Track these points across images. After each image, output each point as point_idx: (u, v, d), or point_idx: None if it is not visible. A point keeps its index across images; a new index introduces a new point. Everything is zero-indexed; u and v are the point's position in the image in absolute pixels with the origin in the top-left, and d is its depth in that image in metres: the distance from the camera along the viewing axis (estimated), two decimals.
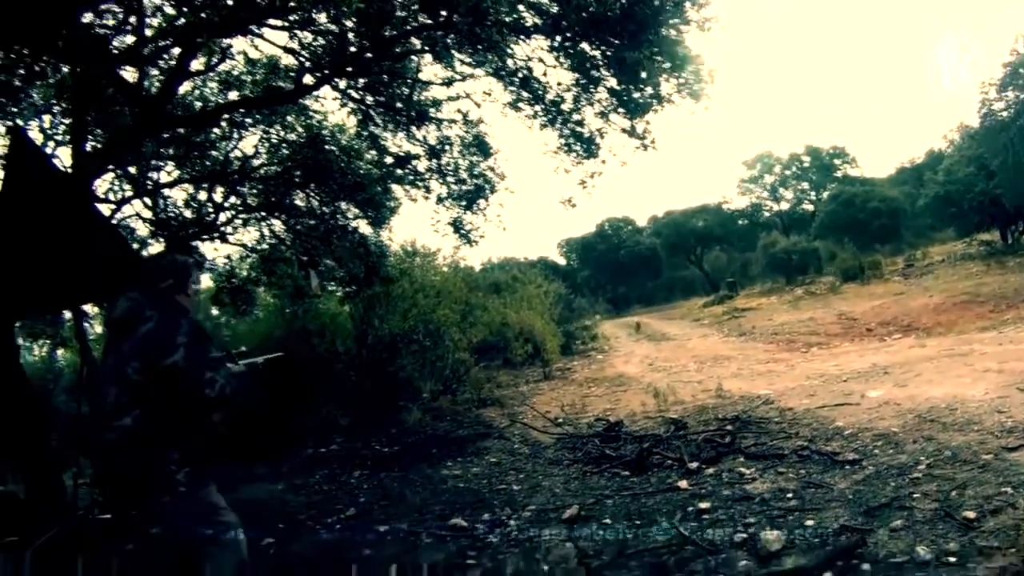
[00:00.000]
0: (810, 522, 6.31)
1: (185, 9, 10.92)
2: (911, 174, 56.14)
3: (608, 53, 12.42)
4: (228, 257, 18.50)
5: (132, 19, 11.12)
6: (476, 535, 7.36)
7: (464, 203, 15.44)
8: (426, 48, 12.84)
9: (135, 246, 14.77)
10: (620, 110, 13.32)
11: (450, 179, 15.45)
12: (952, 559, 5.17)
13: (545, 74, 13.31)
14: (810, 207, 68.23)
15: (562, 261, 75.21)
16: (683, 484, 8.24)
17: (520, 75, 13.36)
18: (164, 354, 4.17)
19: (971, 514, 5.82)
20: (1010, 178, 32.23)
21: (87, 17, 10.56)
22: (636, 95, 13.07)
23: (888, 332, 20.89)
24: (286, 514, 8.93)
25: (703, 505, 7.28)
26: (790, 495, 7.20)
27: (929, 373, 12.53)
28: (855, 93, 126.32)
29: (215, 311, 22.30)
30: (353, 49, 12.47)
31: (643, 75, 12.66)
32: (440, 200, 15.53)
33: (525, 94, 13.62)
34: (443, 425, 14.09)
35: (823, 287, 35.93)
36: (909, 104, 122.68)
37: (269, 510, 9.12)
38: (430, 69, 14.49)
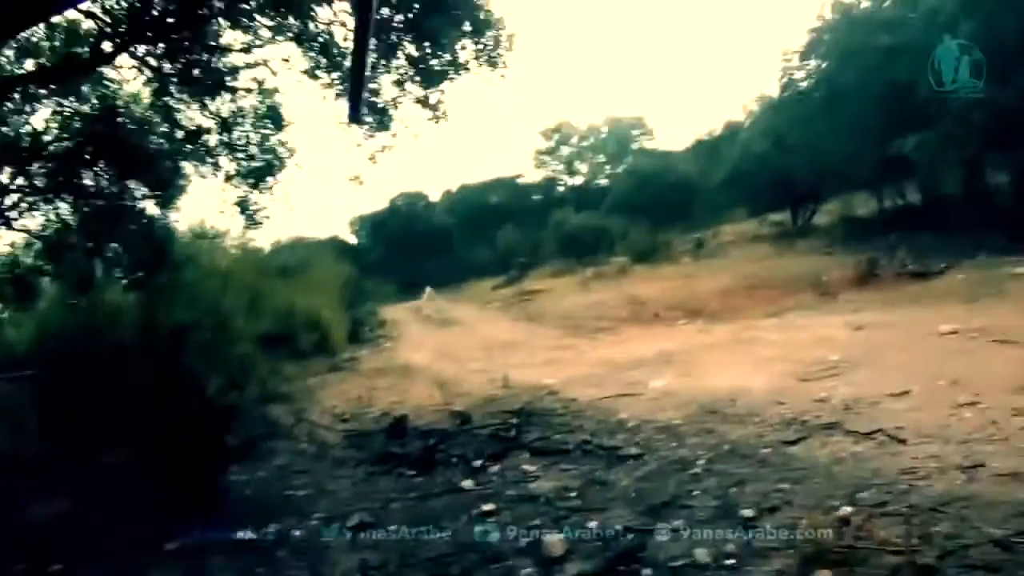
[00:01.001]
0: (593, 523, 6.38)
1: None
2: (709, 147, 56.94)
3: (408, 17, 12.39)
4: (12, 245, 17.61)
5: None
6: (263, 548, 7.16)
7: (252, 180, 15.15)
8: (229, 12, 12.47)
9: None
10: (417, 78, 13.34)
11: (240, 155, 15.14)
12: (731, 561, 5.33)
13: (345, 39, 13.23)
14: (605, 181, 69.56)
15: (355, 240, 74.24)
16: (468, 484, 8.26)
17: (320, 40, 13.34)
18: None
19: (749, 512, 6.07)
20: (806, 153, 33.50)
21: None
22: (433, 62, 13.11)
23: (675, 317, 21.64)
24: (72, 536, 8.42)
25: (487, 507, 7.27)
26: (573, 494, 7.31)
27: (713, 362, 13.09)
28: (660, 59, 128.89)
29: None
30: (156, 12, 11.99)
31: (443, 40, 12.71)
32: (229, 178, 15.21)
33: (323, 60, 13.59)
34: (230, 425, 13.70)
35: (613, 268, 36.74)
36: (716, 72, 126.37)
37: (58, 533, 8.59)
38: (230, 34, 14.28)
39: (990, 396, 8.61)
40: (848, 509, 5.86)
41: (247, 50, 13.91)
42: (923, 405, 8.72)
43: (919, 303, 17.25)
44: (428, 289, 43.03)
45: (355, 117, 13.13)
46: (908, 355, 11.62)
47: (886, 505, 5.93)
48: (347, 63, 13.39)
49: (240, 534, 7.50)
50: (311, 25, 13.11)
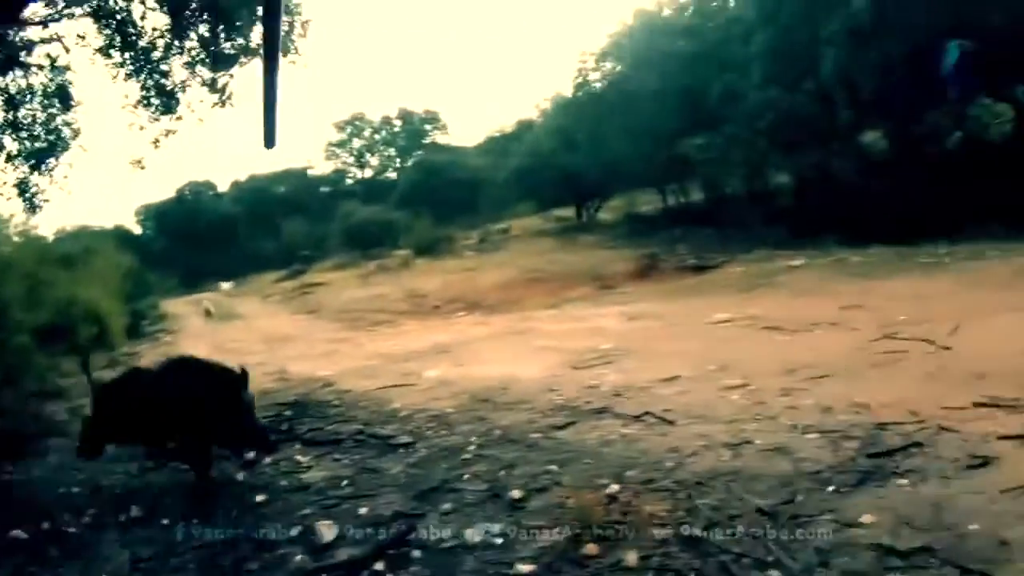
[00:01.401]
0: (363, 510, 6.45)
1: None
2: (500, 143, 58.09)
3: None
4: None
5: None
6: (35, 547, 6.88)
7: (33, 162, 14.51)
8: None
9: None
10: (207, 60, 13.19)
11: (23, 134, 14.47)
12: (500, 540, 5.46)
13: (144, 16, 13.17)
14: (394, 175, 69.86)
15: (139, 230, 71.90)
16: (241, 476, 8.23)
17: (118, 17, 13.09)
18: None
19: (518, 494, 6.22)
20: (593, 152, 34.46)
21: None
22: (226, 45, 12.99)
23: (454, 309, 21.93)
24: None
25: (260, 498, 7.28)
26: (345, 482, 7.37)
27: (488, 352, 13.38)
28: (458, 56, 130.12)
29: None
30: None
31: (237, 22, 12.59)
32: (10, 158, 14.50)
33: (118, 39, 13.30)
34: (3, 422, 13.10)
35: (396, 262, 36.97)
36: (517, 70, 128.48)
37: None
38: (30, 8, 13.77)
39: (758, 379, 9.04)
40: (615, 487, 6.06)
41: (44, 24, 13.44)
42: (692, 388, 9.07)
43: (696, 294, 17.97)
44: (224, 284, 42.45)
45: (270, 143, 12.68)
46: (680, 343, 12.12)
47: (653, 482, 6.15)
48: (142, 43, 13.20)
49: (14, 533, 7.21)
50: (110, 1, 12.80)
